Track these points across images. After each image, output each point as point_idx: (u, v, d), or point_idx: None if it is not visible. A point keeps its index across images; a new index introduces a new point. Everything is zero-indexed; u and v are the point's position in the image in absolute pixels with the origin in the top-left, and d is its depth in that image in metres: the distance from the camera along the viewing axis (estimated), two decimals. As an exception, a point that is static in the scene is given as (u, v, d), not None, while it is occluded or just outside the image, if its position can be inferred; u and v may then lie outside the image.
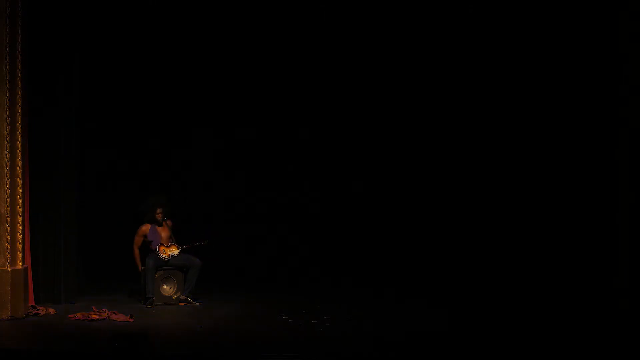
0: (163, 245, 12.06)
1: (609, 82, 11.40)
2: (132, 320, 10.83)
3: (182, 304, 11.95)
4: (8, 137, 11.01)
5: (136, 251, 12.15)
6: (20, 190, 11.13)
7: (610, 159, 11.37)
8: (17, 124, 11.11)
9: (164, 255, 11.99)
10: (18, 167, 11.11)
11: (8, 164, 11.00)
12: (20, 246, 11.13)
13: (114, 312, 11.05)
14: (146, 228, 12.13)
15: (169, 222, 12.21)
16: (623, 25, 11.02)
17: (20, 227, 11.13)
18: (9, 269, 10.95)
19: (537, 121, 12.80)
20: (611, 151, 11.31)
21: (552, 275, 12.39)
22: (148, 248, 12.08)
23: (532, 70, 12.74)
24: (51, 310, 11.31)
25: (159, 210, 12.11)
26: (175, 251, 12.05)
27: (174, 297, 12.03)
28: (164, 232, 12.14)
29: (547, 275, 12.42)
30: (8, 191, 10.98)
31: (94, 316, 10.93)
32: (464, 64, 13.25)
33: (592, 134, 12.02)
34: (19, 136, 11.14)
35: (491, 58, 13.06)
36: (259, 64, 13.68)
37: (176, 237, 12.24)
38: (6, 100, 10.99)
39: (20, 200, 11.14)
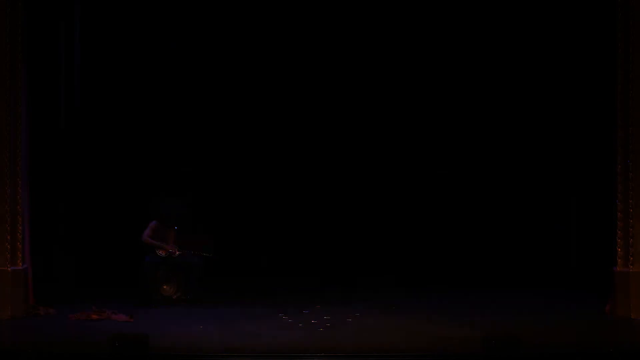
0: (164, 244, 12.07)
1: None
2: (132, 320, 10.82)
3: (183, 303, 11.94)
4: (9, 137, 11.01)
5: (151, 241, 12.07)
6: (20, 190, 11.13)
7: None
8: (18, 124, 11.12)
9: (160, 252, 11.98)
10: (18, 167, 11.11)
11: (8, 164, 11.00)
12: (20, 246, 11.12)
13: (114, 312, 11.03)
14: (155, 226, 12.12)
15: (175, 228, 12.23)
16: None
17: (20, 227, 11.13)
18: (9, 269, 10.94)
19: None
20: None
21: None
22: (148, 247, 12.07)
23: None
24: (51, 310, 11.30)
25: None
26: (174, 251, 12.04)
27: (174, 297, 12.03)
28: (170, 234, 12.13)
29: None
30: (8, 191, 10.98)
31: (94, 316, 10.92)
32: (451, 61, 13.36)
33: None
34: (20, 137, 11.14)
35: (477, 57, 13.19)
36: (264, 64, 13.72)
37: (180, 241, 12.23)
38: (7, 101, 10.99)
39: (20, 200, 11.13)
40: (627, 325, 10.54)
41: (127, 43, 13.41)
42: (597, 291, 11.68)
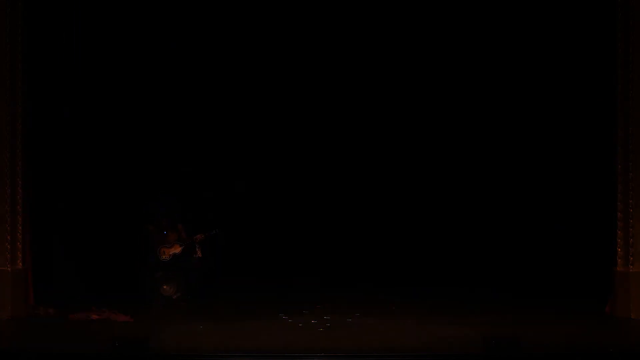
0: (165, 246, 12.04)
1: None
2: (132, 320, 10.83)
3: (183, 303, 11.94)
4: (8, 137, 11.01)
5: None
6: (20, 190, 11.13)
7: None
8: (18, 124, 11.12)
9: (164, 257, 11.97)
10: (18, 167, 11.11)
11: (8, 164, 11.00)
12: (20, 246, 11.12)
13: (114, 312, 11.04)
14: (156, 230, 12.09)
15: (179, 226, 12.18)
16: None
17: (20, 227, 11.13)
18: (9, 269, 10.94)
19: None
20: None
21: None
22: (150, 247, 12.06)
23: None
24: (51, 310, 11.30)
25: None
26: (177, 249, 12.04)
27: (174, 297, 12.03)
28: (169, 236, 12.09)
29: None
30: (8, 191, 10.98)
31: (94, 316, 10.93)
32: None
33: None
34: (20, 137, 11.14)
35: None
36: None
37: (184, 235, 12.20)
38: (7, 100, 10.99)
39: (20, 200, 11.13)
40: (627, 325, 10.54)
41: (128, 43, 13.38)
42: (597, 291, 11.67)
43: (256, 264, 13.80)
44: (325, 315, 11.13)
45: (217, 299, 12.32)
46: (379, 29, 13.45)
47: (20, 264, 11.12)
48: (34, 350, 9.04)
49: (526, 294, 12.51)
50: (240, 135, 13.93)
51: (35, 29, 11.48)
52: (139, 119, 13.70)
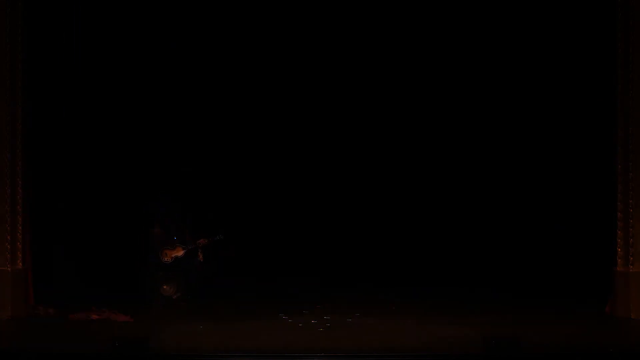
0: (167, 248, 12.03)
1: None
2: (132, 320, 10.83)
3: (183, 303, 11.94)
4: (8, 137, 11.01)
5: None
6: (20, 190, 11.13)
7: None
8: (18, 125, 11.12)
9: (166, 259, 11.97)
10: (18, 167, 11.11)
11: (8, 164, 11.01)
12: (20, 246, 11.13)
13: (114, 312, 11.04)
14: (158, 232, 12.09)
15: (187, 232, 12.17)
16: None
17: (20, 227, 11.13)
18: (9, 269, 10.95)
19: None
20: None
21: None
22: (151, 248, 12.06)
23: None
24: (51, 310, 11.30)
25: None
26: (179, 252, 12.04)
27: (174, 297, 12.03)
28: (176, 241, 12.08)
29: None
30: (8, 191, 10.99)
31: (94, 316, 10.93)
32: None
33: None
34: (20, 137, 11.14)
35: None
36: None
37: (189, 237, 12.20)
38: (7, 101, 10.99)
39: (20, 200, 11.14)
40: (627, 325, 10.54)
41: (127, 42, 13.37)
42: (597, 291, 11.68)
43: (256, 263, 13.81)
44: (325, 315, 11.14)
45: (217, 299, 12.31)
46: (378, 29, 13.46)
47: (20, 264, 11.13)
48: (34, 350, 9.04)
49: (526, 294, 12.50)
50: (240, 135, 13.93)
51: (35, 29, 11.48)
52: (139, 119, 13.69)
